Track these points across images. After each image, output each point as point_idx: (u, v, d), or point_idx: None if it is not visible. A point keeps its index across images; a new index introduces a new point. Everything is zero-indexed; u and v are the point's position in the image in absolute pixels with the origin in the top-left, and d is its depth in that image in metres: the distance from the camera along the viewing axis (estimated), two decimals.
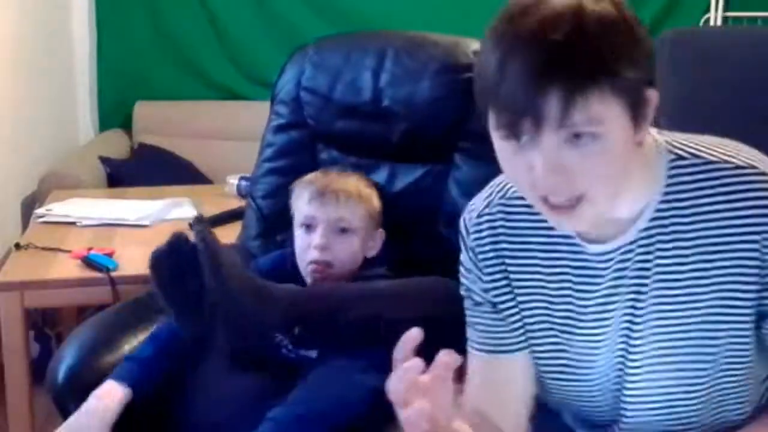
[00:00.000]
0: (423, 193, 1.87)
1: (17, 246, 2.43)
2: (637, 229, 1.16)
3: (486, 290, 1.27)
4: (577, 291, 1.21)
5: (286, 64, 2.04)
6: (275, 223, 1.98)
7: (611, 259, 1.18)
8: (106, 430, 1.57)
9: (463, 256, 1.30)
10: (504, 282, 1.26)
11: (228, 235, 2.22)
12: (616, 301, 1.19)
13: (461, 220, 1.30)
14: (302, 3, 3.82)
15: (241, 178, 2.86)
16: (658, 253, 1.16)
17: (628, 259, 1.17)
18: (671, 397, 1.20)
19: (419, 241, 1.85)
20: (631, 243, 1.16)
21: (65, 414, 1.68)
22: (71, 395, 1.68)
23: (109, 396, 1.60)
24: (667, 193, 1.15)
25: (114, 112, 3.96)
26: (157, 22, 3.92)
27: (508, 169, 1.10)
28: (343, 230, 1.71)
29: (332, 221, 1.70)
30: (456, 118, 1.84)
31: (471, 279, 1.29)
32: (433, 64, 1.87)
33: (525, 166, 1.06)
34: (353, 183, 1.75)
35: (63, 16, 3.85)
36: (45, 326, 3.09)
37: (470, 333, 1.30)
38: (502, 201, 1.26)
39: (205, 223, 1.55)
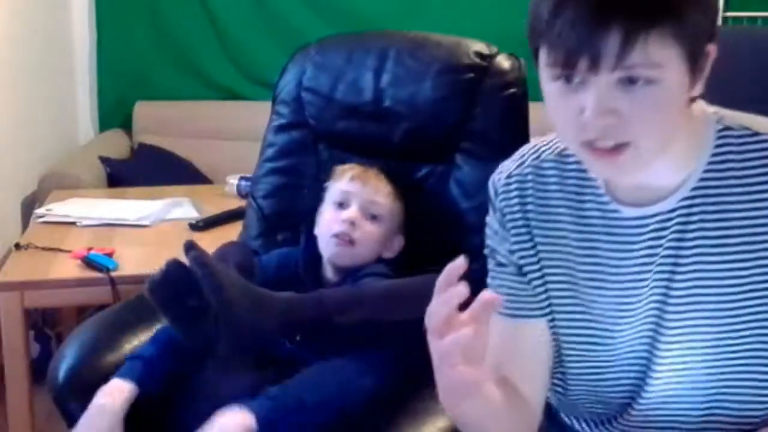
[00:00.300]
0: (424, 194, 1.87)
1: (17, 246, 2.42)
2: (677, 197, 1.13)
3: (512, 252, 1.24)
4: (607, 258, 1.18)
5: (287, 64, 2.04)
6: (276, 222, 1.97)
7: (646, 226, 1.15)
8: (118, 425, 1.57)
9: (490, 218, 1.28)
10: (530, 244, 1.23)
11: (228, 235, 2.22)
12: (649, 270, 1.15)
13: (490, 182, 1.28)
14: (302, 3, 3.82)
15: (241, 178, 2.86)
16: (701, 224, 1.12)
17: (665, 228, 1.14)
18: (700, 373, 1.16)
19: (420, 241, 1.84)
20: (670, 211, 1.13)
21: (66, 414, 1.68)
22: (72, 395, 1.68)
23: (117, 391, 1.60)
24: (712, 163, 1.12)
25: (114, 112, 3.95)
26: (157, 22, 3.92)
27: (556, 111, 1.06)
28: (374, 217, 1.75)
29: (367, 203, 1.75)
30: (457, 118, 1.84)
31: (497, 240, 1.26)
32: (434, 65, 1.87)
33: (574, 109, 1.03)
34: (393, 184, 1.80)
35: (63, 16, 3.84)
36: (45, 326, 3.09)
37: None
38: (535, 163, 1.24)
39: (196, 249, 1.55)
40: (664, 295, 1.15)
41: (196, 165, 3.71)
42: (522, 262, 1.24)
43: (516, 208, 1.24)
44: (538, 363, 1.24)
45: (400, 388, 1.59)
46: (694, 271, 1.14)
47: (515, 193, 1.24)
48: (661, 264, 1.15)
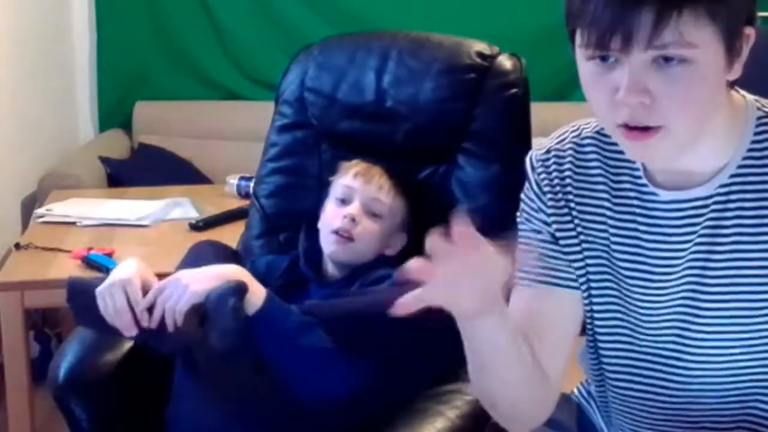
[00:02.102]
0: (426, 194, 1.86)
1: (17, 246, 2.42)
2: (714, 184, 1.11)
3: (548, 223, 1.24)
4: (644, 240, 1.17)
5: (290, 64, 2.04)
6: (278, 222, 1.97)
7: (682, 210, 1.14)
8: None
9: (526, 190, 1.27)
10: (568, 218, 1.22)
11: (228, 235, 2.22)
12: (683, 255, 1.14)
13: (527, 157, 1.28)
14: (302, 3, 3.82)
15: (241, 178, 2.86)
16: (739, 212, 1.11)
17: (701, 215, 1.13)
18: (736, 365, 1.15)
19: (422, 241, 1.84)
20: (707, 198, 1.12)
21: (66, 413, 1.68)
22: (72, 394, 1.68)
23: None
24: (752, 150, 1.11)
25: (114, 112, 3.95)
26: (157, 22, 3.91)
27: (591, 92, 1.07)
28: (375, 214, 1.73)
29: (369, 200, 1.73)
30: (459, 119, 1.84)
31: (532, 210, 1.25)
32: (435, 65, 1.87)
33: (609, 88, 1.03)
34: (396, 182, 1.78)
35: (63, 16, 3.84)
36: (45, 326, 3.09)
37: (519, 264, 1.19)
38: (576, 140, 1.23)
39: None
40: (697, 283, 1.14)
41: (196, 165, 3.70)
42: (559, 234, 1.23)
43: (555, 182, 1.23)
44: (563, 334, 1.23)
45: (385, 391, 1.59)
46: (731, 259, 1.12)
47: (553, 167, 1.24)
48: (695, 250, 1.14)
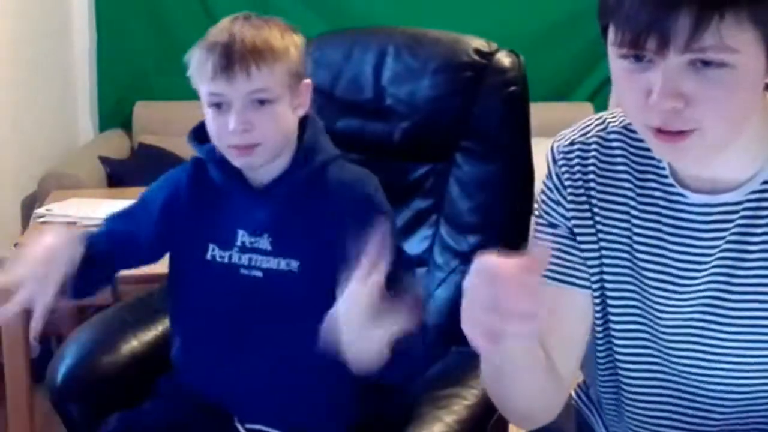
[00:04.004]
0: (424, 192, 1.86)
1: (17, 246, 2.42)
2: (746, 190, 1.08)
3: (567, 217, 1.20)
4: (669, 242, 1.14)
5: None
6: None
7: (710, 214, 1.11)
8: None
9: (546, 181, 1.23)
10: (588, 214, 1.18)
11: None
12: (709, 261, 1.12)
13: (549, 149, 1.22)
14: (302, 3, 3.82)
15: None
16: None
17: (730, 220, 1.10)
18: (755, 383, 1.12)
19: (419, 240, 1.84)
20: (736, 203, 1.09)
21: (64, 416, 1.67)
22: (70, 396, 1.67)
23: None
24: None
25: (114, 112, 3.96)
26: (157, 22, 3.92)
27: (622, 90, 1.02)
28: (262, 102, 1.41)
29: (247, 96, 1.40)
30: (457, 117, 1.83)
31: (552, 201, 1.21)
32: (433, 63, 1.85)
33: (642, 89, 0.99)
34: (263, 37, 1.44)
35: (63, 16, 3.84)
36: (45, 326, 3.08)
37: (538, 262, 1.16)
38: (601, 133, 1.19)
39: None
40: (722, 288, 1.12)
41: None
42: (577, 230, 1.19)
43: (577, 176, 1.19)
44: (576, 335, 1.20)
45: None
46: (759, 267, 1.10)
47: (576, 160, 1.19)
48: (722, 256, 1.11)
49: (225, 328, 1.51)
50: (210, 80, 1.40)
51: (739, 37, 0.94)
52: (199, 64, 1.43)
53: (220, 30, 1.45)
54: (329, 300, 1.21)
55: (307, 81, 1.51)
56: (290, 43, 1.48)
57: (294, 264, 1.46)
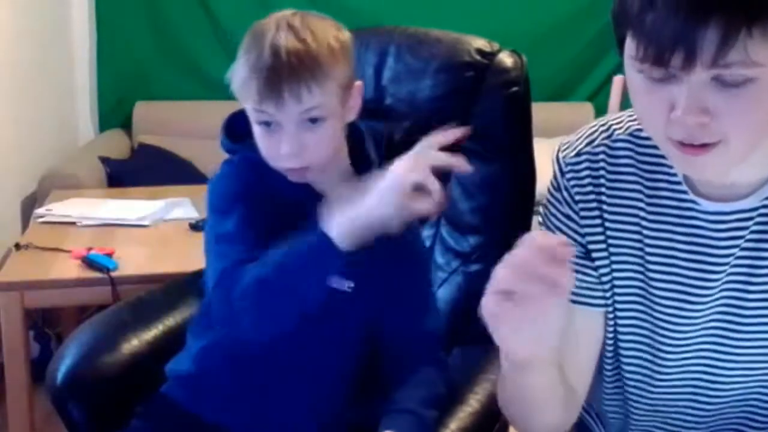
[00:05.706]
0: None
1: (17, 246, 2.42)
2: (760, 196, 1.07)
3: (581, 234, 1.16)
4: (681, 251, 1.11)
5: None
6: None
7: (724, 222, 1.09)
8: None
9: (554, 196, 1.19)
10: (600, 229, 1.15)
11: None
12: (723, 270, 1.10)
13: (553, 160, 1.19)
14: (305, 3, 3.82)
15: None
16: None
17: (745, 228, 1.08)
18: (758, 387, 1.11)
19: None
20: (751, 210, 1.07)
21: (64, 417, 1.67)
22: (70, 396, 1.66)
23: None
24: None
25: (114, 112, 3.96)
26: (157, 22, 3.92)
27: (640, 103, 0.99)
28: (314, 120, 1.34)
29: (298, 116, 1.33)
30: (459, 117, 1.83)
31: (564, 213, 1.17)
32: (434, 62, 1.85)
33: (664, 102, 0.95)
34: (312, 54, 1.33)
35: (63, 16, 3.84)
36: (45, 326, 3.08)
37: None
38: (607, 142, 1.16)
39: None
40: (737, 296, 1.10)
41: (196, 165, 3.70)
42: (591, 246, 1.16)
43: (588, 189, 1.16)
44: (590, 352, 1.18)
45: None
46: None
47: (586, 172, 1.16)
48: (736, 264, 1.09)
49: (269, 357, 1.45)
50: (256, 103, 1.34)
51: (765, 51, 0.91)
52: (243, 84, 1.35)
53: (263, 45, 1.36)
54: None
55: (359, 83, 1.45)
56: (339, 52, 1.37)
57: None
